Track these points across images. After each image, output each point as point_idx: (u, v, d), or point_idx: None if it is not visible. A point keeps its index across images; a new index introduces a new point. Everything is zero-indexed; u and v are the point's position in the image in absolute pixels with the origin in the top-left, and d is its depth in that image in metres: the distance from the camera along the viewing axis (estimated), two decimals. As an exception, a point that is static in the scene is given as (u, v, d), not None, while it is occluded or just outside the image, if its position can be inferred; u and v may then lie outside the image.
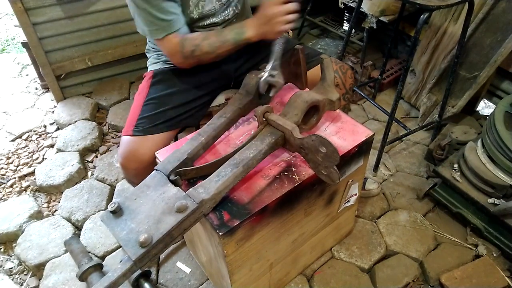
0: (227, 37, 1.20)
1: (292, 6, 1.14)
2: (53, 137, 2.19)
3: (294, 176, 1.09)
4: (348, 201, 1.39)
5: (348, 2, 2.40)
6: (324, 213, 1.32)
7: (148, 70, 1.46)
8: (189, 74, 1.35)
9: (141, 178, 1.26)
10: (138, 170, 1.26)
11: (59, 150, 2.07)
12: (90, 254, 1.57)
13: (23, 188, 1.92)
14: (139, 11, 1.16)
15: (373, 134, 1.22)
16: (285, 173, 1.11)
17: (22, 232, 1.69)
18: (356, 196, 1.40)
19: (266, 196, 1.05)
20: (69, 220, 1.74)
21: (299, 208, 1.17)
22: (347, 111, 1.47)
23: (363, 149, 1.23)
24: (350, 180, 1.31)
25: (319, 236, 1.41)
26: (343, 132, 1.22)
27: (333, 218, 1.40)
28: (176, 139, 1.55)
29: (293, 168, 1.12)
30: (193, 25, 1.29)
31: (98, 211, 1.77)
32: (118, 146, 2.09)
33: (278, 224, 1.14)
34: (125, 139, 1.28)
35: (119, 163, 1.30)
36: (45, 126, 2.26)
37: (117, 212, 0.96)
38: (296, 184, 1.07)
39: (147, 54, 1.51)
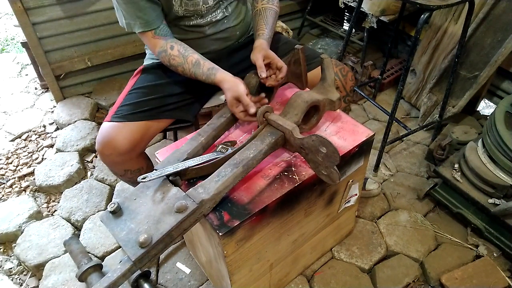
0: (200, 75, 1.22)
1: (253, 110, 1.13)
2: (52, 137, 2.18)
3: (294, 176, 1.09)
4: (349, 201, 1.39)
5: (348, 1, 2.40)
6: (324, 213, 1.32)
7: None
8: None
9: (118, 166, 1.27)
10: (113, 157, 1.25)
11: (58, 150, 2.06)
12: (89, 254, 1.57)
13: (22, 188, 1.91)
14: (117, 5, 1.22)
15: (374, 134, 1.22)
16: (285, 173, 1.10)
17: (22, 232, 1.69)
18: (357, 196, 1.40)
19: (266, 196, 1.04)
20: (68, 220, 1.74)
21: (299, 208, 1.17)
22: (347, 113, 1.46)
23: (363, 149, 1.23)
24: (350, 180, 1.30)
25: (319, 237, 1.41)
26: (343, 132, 1.22)
27: (334, 218, 1.40)
28: (176, 139, 1.55)
29: (293, 168, 1.11)
30: (178, 22, 1.30)
31: (98, 211, 1.76)
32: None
33: (278, 225, 1.13)
34: (104, 126, 1.26)
35: (96, 149, 1.27)
36: (44, 126, 2.26)
37: (117, 213, 0.96)
38: (296, 184, 1.07)
39: (146, 50, 1.52)
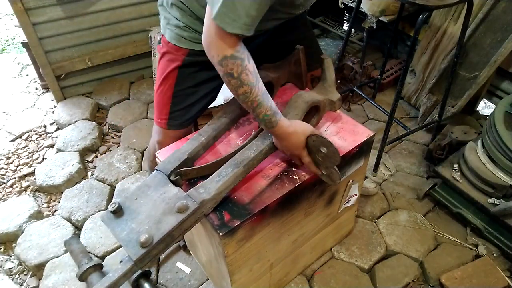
0: (264, 107, 0.98)
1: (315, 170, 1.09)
2: (53, 137, 2.18)
3: (294, 177, 1.09)
4: (349, 202, 1.39)
5: (348, 2, 2.40)
6: (324, 213, 1.32)
7: (171, 39, 1.20)
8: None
9: None
10: None
11: (59, 150, 2.06)
12: (90, 254, 1.57)
13: (23, 188, 1.92)
14: None
15: (374, 135, 1.22)
16: (286, 173, 1.11)
17: (22, 232, 1.69)
18: (357, 196, 1.40)
19: (266, 197, 1.05)
20: (69, 220, 1.74)
21: (299, 209, 1.17)
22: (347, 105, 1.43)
23: (363, 149, 1.23)
24: (350, 181, 1.31)
25: (320, 236, 1.41)
26: (343, 133, 1.22)
27: (334, 218, 1.40)
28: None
29: (293, 169, 1.12)
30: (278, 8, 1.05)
31: (98, 211, 1.76)
32: (119, 146, 2.10)
33: (279, 225, 1.14)
34: (160, 130, 1.31)
35: (155, 151, 1.28)
36: (45, 126, 2.26)
37: (118, 212, 0.96)
38: (296, 185, 1.07)
39: (168, 8, 1.20)
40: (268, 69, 1.29)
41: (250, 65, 0.96)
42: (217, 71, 1.10)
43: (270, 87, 1.28)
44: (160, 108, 1.29)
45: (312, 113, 1.18)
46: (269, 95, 1.00)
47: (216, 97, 1.39)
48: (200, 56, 1.14)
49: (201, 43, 1.07)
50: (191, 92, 1.27)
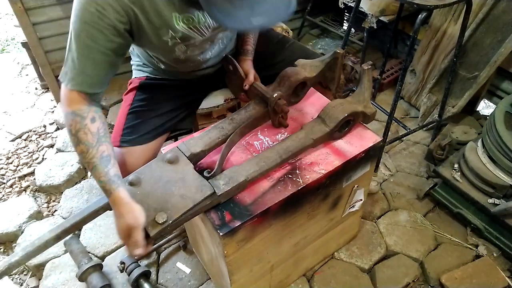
0: (99, 174, 0.94)
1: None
2: (53, 137, 2.18)
3: (298, 180, 1.08)
4: (353, 207, 1.37)
5: (348, 2, 2.40)
6: (328, 217, 1.31)
7: (133, 76, 1.37)
8: (176, 83, 1.31)
9: None
10: None
11: (59, 150, 2.06)
12: (89, 254, 1.57)
13: (22, 188, 1.92)
14: (71, 45, 0.99)
15: (381, 140, 1.19)
16: (289, 175, 1.10)
17: (22, 232, 1.69)
18: (362, 201, 1.38)
19: (269, 198, 1.04)
20: (69, 220, 1.74)
21: (302, 212, 1.16)
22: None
23: (370, 154, 1.21)
24: (355, 186, 1.29)
25: (322, 240, 1.40)
26: (350, 137, 1.20)
27: (337, 222, 1.39)
28: (176, 139, 1.55)
29: (297, 171, 1.11)
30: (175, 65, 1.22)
31: (98, 211, 1.76)
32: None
33: (280, 227, 1.13)
34: (117, 152, 1.21)
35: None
36: (44, 126, 2.26)
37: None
38: (299, 188, 1.06)
39: (131, 54, 1.40)
40: (304, 67, 1.25)
41: (93, 125, 0.96)
42: (174, 90, 1.28)
43: (303, 86, 1.26)
44: (116, 128, 1.25)
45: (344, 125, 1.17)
46: (111, 162, 0.96)
47: (191, 113, 1.40)
48: (155, 80, 1.30)
49: (158, 72, 1.30)
50: (146, 109, 1.27)
